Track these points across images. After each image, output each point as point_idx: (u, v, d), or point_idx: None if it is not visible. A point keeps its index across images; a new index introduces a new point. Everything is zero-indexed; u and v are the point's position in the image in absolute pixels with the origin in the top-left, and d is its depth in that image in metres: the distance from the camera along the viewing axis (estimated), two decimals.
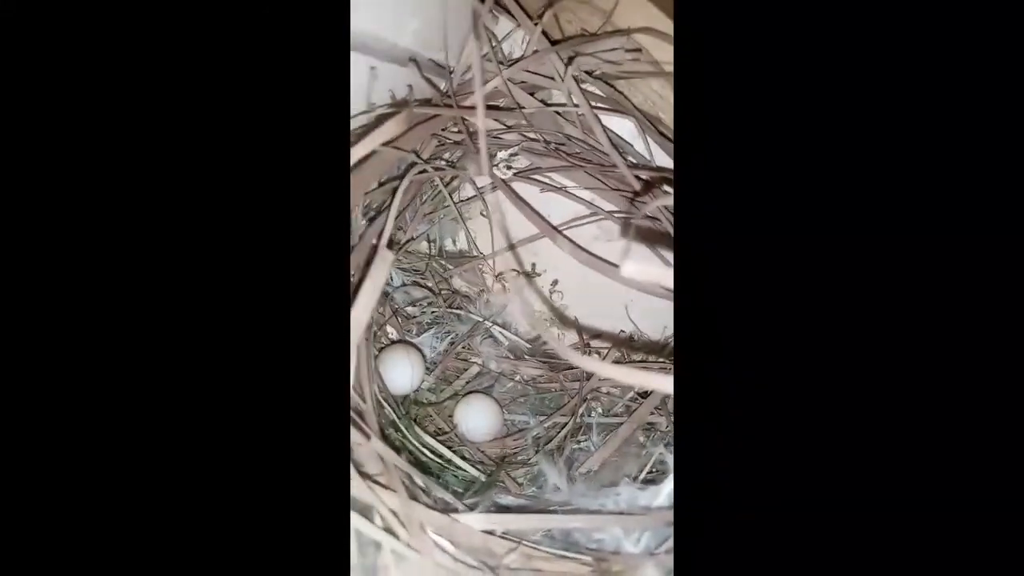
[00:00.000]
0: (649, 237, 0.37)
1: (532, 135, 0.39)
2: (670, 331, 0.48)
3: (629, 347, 0.48)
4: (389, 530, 0.27)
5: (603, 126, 0.38)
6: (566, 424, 0.42)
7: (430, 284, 0.48)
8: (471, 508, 0.33)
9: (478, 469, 0.38)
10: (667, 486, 0.35)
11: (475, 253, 0.48)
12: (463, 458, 0.39)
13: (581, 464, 0.41)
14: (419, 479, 0.31)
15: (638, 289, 0.43)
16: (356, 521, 0.26)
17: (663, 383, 0.20)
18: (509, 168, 0.39)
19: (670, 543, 0.31)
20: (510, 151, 0.38)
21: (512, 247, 0.47)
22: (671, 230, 0.39)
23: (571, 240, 0.45)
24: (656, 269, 0.21)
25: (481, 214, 0.48)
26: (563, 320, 0.50)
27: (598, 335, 0.50)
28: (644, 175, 0.38)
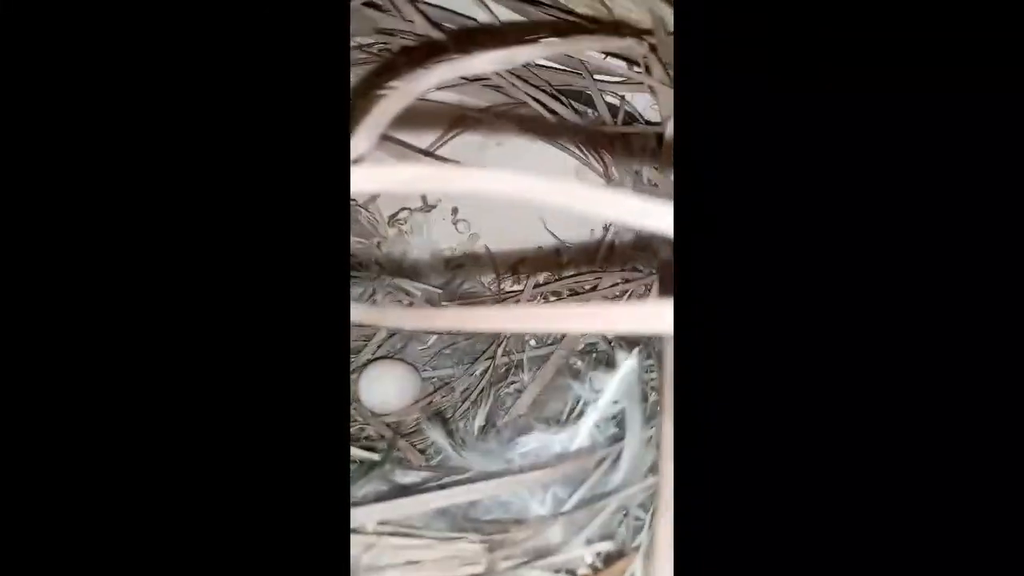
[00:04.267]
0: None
1: None
2: (599, 233, 0.40)
3: (557, 265, 0.41)
4: None
5: None
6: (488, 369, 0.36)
7: None
8: (361, 497, 0.28)
9: (378, 449, 0.32)
10: (586, 422, 0.28)
11: (352, 200, 0.42)
12: (363, 438, 0.33)
13: (507, 410, 0.35)
14: None
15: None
16: None
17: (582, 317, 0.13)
18: None
19: (580, 494, 0.25)
20: None
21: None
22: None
23: (443, 158, 0.38)
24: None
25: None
26: (477, 253, 0.43)
27: (520, 260, 0.43)
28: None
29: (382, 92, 0.35)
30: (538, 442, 0.28)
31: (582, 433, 0.28)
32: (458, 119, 0.40)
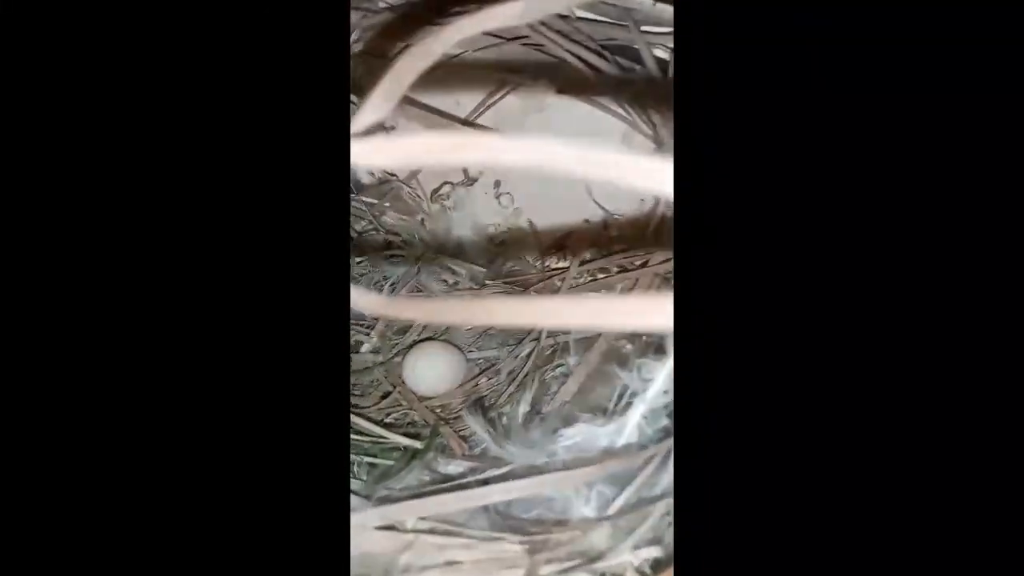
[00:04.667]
0: None
1: None
2: (649, 204, 0.37)
3: (606, 240, 0.38)
4: None
5: None
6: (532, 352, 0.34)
7: (357, 228, 0.41)
8: (400, 491, 0.27)
9: (421, 436, 0.31)
10: (633, 414, 0.26)
11: (393, 176, 0.40)
12: (406, 424, 0.33)
13: (553, 396, 0.33)
14: None
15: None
16: None
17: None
18: None
19: (627, 495, 0.23)
20: None
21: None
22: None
23: (481, 126, 0.36)
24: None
25: (384, 126, 0.39)
26: (521, 228, 0.41)
27: (567, 235, 0.40)
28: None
29: (398, 53, 0.33)
30: (583, 434, 0.26)
31: (629, 426, 0.26)
32: (497, 83, 0.37)
